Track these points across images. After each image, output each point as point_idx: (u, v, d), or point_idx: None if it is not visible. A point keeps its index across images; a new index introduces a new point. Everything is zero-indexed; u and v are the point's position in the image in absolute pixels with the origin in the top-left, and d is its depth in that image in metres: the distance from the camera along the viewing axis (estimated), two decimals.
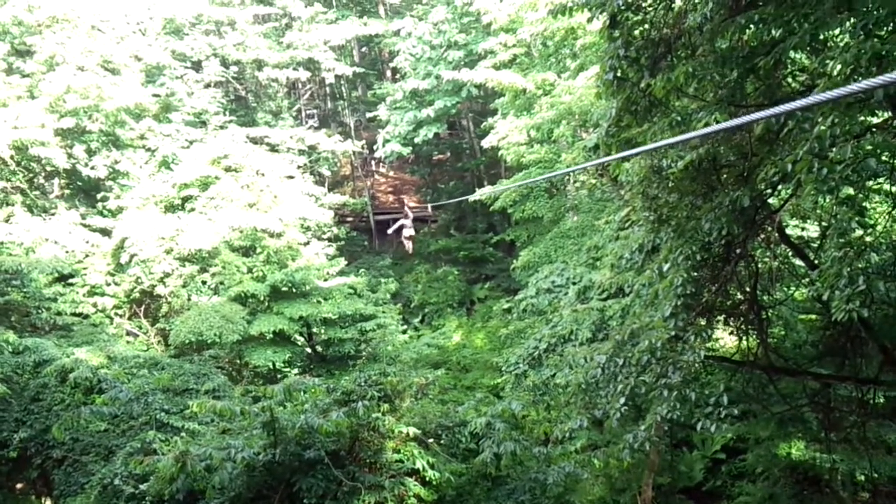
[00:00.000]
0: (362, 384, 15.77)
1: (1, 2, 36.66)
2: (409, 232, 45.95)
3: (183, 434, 16.71)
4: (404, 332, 36.49)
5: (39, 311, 29.52)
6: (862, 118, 8.31)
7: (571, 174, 31.21)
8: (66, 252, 32.26)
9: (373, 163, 57.40)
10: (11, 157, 33.08)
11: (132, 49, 40.74)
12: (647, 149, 9.63)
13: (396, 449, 14.84)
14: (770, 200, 10.34)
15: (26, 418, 21.15)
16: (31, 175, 35.89)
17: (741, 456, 20.35)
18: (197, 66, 44.99)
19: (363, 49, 59.44)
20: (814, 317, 15.20)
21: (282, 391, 14.62)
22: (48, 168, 35.69)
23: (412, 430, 14.79)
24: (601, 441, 18.54)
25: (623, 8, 9.82)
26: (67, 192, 37.75)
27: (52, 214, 34.78)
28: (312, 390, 15.28)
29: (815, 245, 13.16)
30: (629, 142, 10.40)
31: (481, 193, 32.97)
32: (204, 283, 33.04)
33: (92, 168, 35.95)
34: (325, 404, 14.97)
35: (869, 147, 7.00)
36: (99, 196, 36.97)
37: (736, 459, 20.89)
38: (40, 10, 36.95)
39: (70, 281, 32.36)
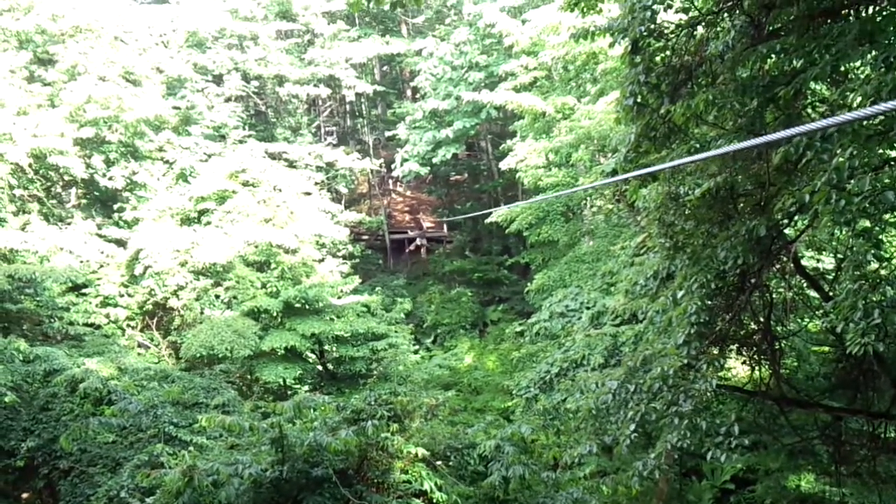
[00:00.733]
0: (372, 403, 15.71)
1: (25, 10, 37.01)
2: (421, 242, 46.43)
3: (191, 448, 16.68)
4: (416, 352, 36.45)
5: (52, 320, 29.64)
6: (881, 151, 8.27)
7: (589, 199, 31.16)
8: (81, 262, 32.39)
9: (390, 181, 57.58)
10: (30, 166, 33.31)
11: (154, 61, 41.04)
12: (667, 166, 9.60)
13: (405, 469, 14.76)
14: (786, 231, 10.29)
15: (34, 427, 21.15)
16: (48, 184, 36.12)
17: (750, 487, 20.16)
18: (218, 79, 45.31)
19: (384, 68, 59.74)
20: (827, 349, 15.10)
21: (291, 408, 14.58)
22: (66, 177, 35.93)
23: (421, 451, 14.71)
24: (610, 468, 18.42)
25: (645, 34, 9.84)
26: (84, 201, 37.96)
27: (69, 224, 34.98)
28: (322, 408, 15.24)
29: (831, 277, 13.10)
30: (647, 167, 10.38)
31: (498, 213, 32.97)
32: (217, 297, 33.12)
33: (110, 178, 36.17)
34: (334, 422, 14.91)
35: (887, 180, 6.97)
36: (115, 207, 37.22)
37: (745, 490, 20.69)
38: (64, 20, 37.28)
39: (83, 291, 32.51)
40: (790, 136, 7.51)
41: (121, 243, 34.73)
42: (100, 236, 34.83)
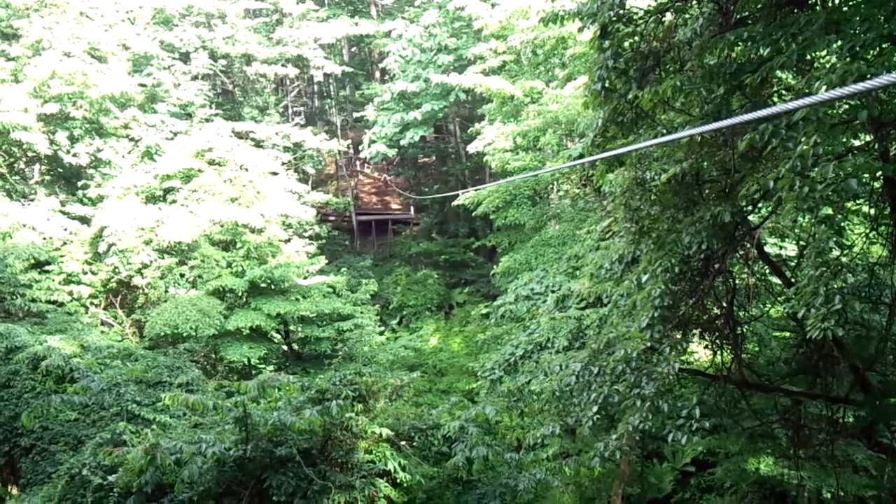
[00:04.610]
0: (337, 383, 15.72)
1: None
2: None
3: (154, 426, 16.57)
4: (381, 333, 36.42)
5: (14, 297, 29.24)
6: (844, 139, 8.39)
7: (555, 184, 31.26)
8: (44, 239, 32.01)
9: (358, 163, 57.38)
10: None
11: (120, 37, 40.49)
12: (634, 148, 9.68)
13: (368, 449, 14.81)
14: (750, 217, 10.42)
15: None
16: (11, 160, 35.62)
17: (710, 469, 20.44)
18: (185, 57, 44.80)
19: (353, 49, 59.46)
20: (788, 334, 15.31)
21: (256, 387, 14.58)
22: (29, 153, 35.45)
23: (385, 432, 14.77)
24: (573, 449, 18.60)
25: (614, 19, 9.88)
26: (48, 178, 37.50)
27: (32, 200, 34.52)
28: (286, 387, 15.23)
29: (793, 263, 13.27)
30: (615, 150, 10.45)
31: (466, 194, 32.99)
32: (182, 275, 32.90)
33: (74, 155, 35.72)
34: (298, 402, 14.92)
35: (850, 168, 7.07)
36: (80, 184, 36.77)
37: (705, 473, 20.98)
38: None
39: (46, 268, 32.12)
40: (756, 123, 7.62)
41: (85, 220, 34.33)
42: (63, 213, 34.39)
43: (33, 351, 20.57)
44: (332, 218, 50.81)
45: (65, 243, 33.27)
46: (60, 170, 37.42)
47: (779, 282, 12.47)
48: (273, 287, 31.04)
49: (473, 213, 35.50)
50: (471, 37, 40.15)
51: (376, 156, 44.86)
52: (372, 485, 14.13)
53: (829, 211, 8.52)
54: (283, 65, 46.91)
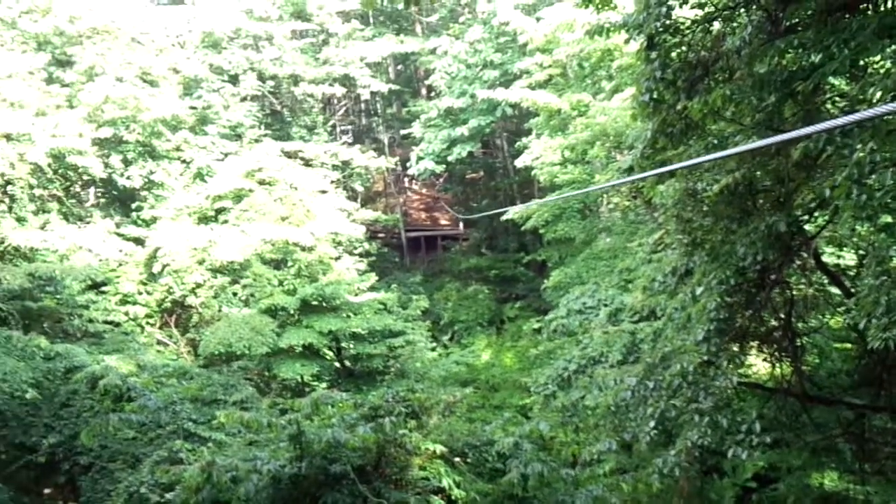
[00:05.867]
0: (390, 400, 15.72)
1: (43, 12, 37.22)
2: None
3: (210, 444, 16.75)
4: (433, 349, 36.37)
5: (72, 317, 29.78)
6: None
7: (605, 196, 31.09)
8: (100, 260, 32.51)
9: (406, 180, 57.55)
10: (49, 166, 33.44)
11: (171, 61, 41.11)
12: (685, 165, 9.58)
13: (422, 466, 14.77)
14: (806, 227, 10.24)
15: (55, 424, 21.30)
16: (67, 183, 36.28)
17: (772, 485, 20.03)
18: (234, 79, 45.38)
19: (399, 66, 59.72)
20: (849, 345, 14.98)
21: (309, 404, 14.62)
22: (85, 177, 36.06)
23: (439, 448, 14.71)
24: (630, 465, 18.36)
25: (661, 30, 9.81)
26: (103, 200, 38.13)
27: (88, 223, 35.14)
28: (340, 405, 15.28)
29: (852, 273, 13.01)
30: (664, 164, 10.35)
31: (515, 210, 32.91)
32: (235, 294, 33.23)
33: (128, 178, 36.33)
34: (352, 419, 14.93)
35: None
36: (134, 206, 37.36)
37: (767, 489, 20.56)
38: (82, 21, 37.42)
39: (103, 289, 32.67)
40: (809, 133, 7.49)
41: (139, 241, 34.87)
42: (118, 235, 34.96)
43: (91, 370, 20.86)
44: (381, 235, 50.94)
45: (120, 264, 33.80)
46: (115, 192, 38.04)
47: (838, 292, 12.22)
48: (324, 304, 31.17)
49: (523, 228, 35.40)
50: (516, 51, 40.14)
51: (424, 172, 44.94)
52: (427, 502, 14.08)
53: (889, 219, 8.32)
54: (329, 84, 47.26)
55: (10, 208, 32.76)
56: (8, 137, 31.88)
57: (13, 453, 21.18)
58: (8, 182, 32.35)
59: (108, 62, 36.93)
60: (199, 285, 32.49)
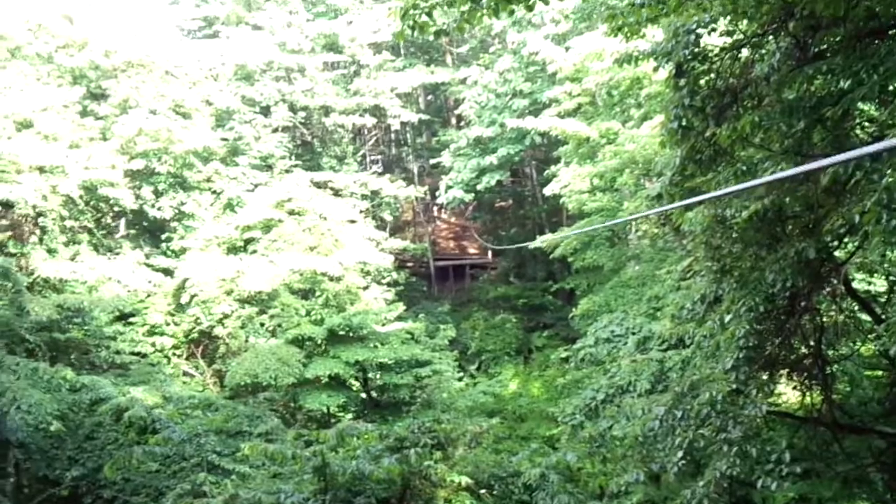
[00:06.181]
0: (415, 431, 15.66)
1: (79, 47, 37.88)
2: None
3: (234, 477, 16.73)
4: (460, 379, 36.24)
5: (99, 349, 29.99)
6: None
7: (634, 223, 30.96)
8: (129, 291, 32.81)
9: (435, 209, 57.68)
10: (81, 197, 33.90)
11: (203, 94, 41.67)
12: (714, 196, 9.52)
13: (448, 499, 14.68)
14: (836, 253, 10.12)
15: (79, 456, 21.35)
16: (98, 214, 36.71)
17: None
18: (265, 111, 45.83)
19: (429, 96, 60.03)
20: (880, 373, 14.76)
21: (334, 436, 14.60)
22: (116, 208, 36.53)
23: (465, 480, 14.62)
24: (658, 496, 18.10)
25: (689, 57, 9.80)
26: (133, 231, 38.50)
27: (117, 254, 35.52)
28: (365, 436, 15.24)
29: (883, 299, 12.83)
30: (693, 191, 10.30)
31: (543, 240, 32.84)
32: (262, 324, 33.32)
33: (158, 209, 36.73)
34: (377, 450, 14.88)
35: None
36: (163, 236, 37.76)
37: None
38: (117, 55, 38.12)
39: (130, 320, 32.92)
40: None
41: (168, 272, 35.16)
42: (148, 266, 35.30)
43: (117, 402, 20.96)
44: (409, 264, 50.97)
45: (149, 295, 34.05)
46: (145, 223, 38.45)
47: (869, 319, 12.05)
48: (352, 334, 31.17)
49: (551, 256, 35.28)
50: (545, 80, 40.20)
51: (453, 201, 45.02)
52: None
53: None
54: (360, 114, 47.61)
55: (41, 240, 33.16)
56: (41, 170, 32.37)
57: (36, 486, 21.24)
58: (39, 214, 32.76)
59: (141, 95, 37.51)
60: (226, 316, 32.65)
